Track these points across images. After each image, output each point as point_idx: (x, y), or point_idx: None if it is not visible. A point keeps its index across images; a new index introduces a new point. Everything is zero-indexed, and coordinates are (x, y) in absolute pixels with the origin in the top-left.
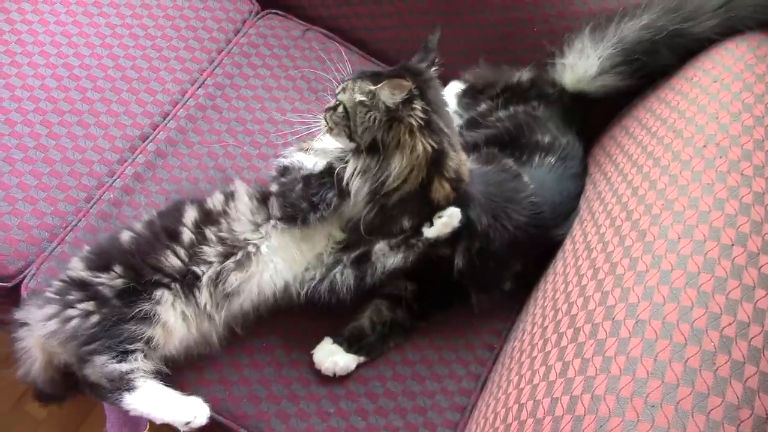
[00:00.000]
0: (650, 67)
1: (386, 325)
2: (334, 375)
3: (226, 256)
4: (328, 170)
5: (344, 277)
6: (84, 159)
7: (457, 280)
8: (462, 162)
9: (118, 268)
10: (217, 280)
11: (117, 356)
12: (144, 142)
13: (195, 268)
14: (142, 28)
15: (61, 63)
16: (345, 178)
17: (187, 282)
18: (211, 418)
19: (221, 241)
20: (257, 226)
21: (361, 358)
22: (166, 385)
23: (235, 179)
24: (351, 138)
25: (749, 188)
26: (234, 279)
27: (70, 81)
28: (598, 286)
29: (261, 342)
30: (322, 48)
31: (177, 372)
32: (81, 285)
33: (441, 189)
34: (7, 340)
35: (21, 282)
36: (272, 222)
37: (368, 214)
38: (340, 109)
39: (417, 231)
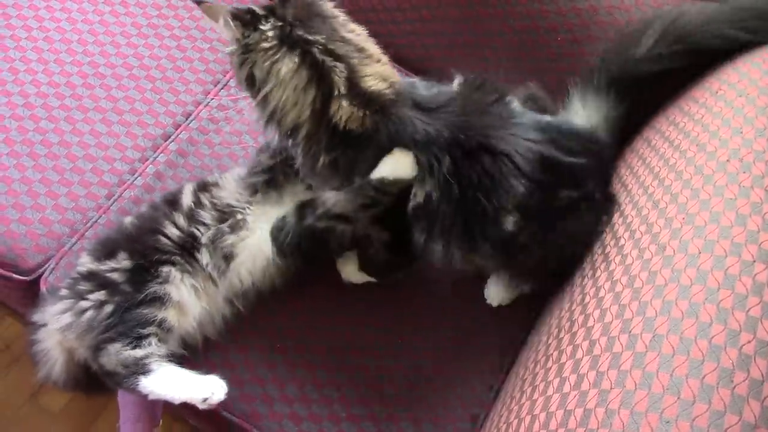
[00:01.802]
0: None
1: None
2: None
3: (220, 221)
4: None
5: (289, 220)
6: (106, 156)
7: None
8: (367, 74)
9: (123, 254)
10: (214, 240)
11: (131, 342)
12: (166, 141)
13: (194, 230)
14: (167, 29)
15: (87, 61)
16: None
17: (188, 248)
18: (224, 418)
19: (214, 206)
20: (241, 193)
21: None
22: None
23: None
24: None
25: None
26: (229, 240)
27: (95, 79)
28: (615, 298)
29: (275, 342)
30: None
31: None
32: (90, 276)
33: (340, 110)
34: (24, 334)
35: (40, 276)
36: (258, 186)
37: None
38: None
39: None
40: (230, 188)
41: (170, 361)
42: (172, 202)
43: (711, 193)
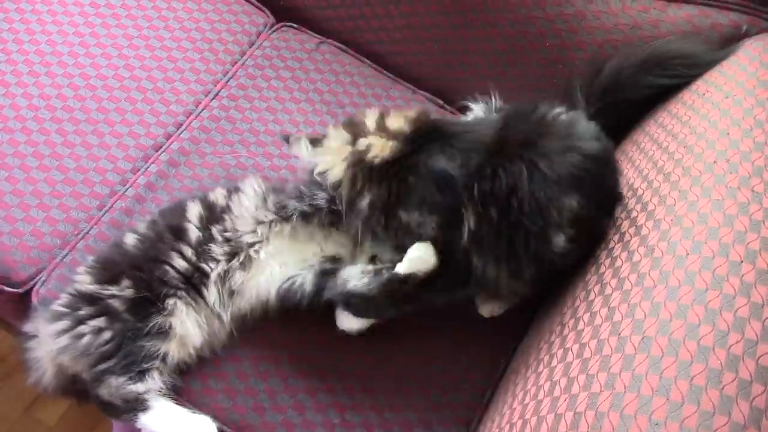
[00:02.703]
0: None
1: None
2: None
3: (232, 255)
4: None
5: (303, 281)
6: (98, 167)
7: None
8: (391, 116)
9: (126, 280)
10: (224, 277)
11: (133, 377)
12: (157, 151)
13: (204, 265)
14: (158, 40)
15: (78, 73)
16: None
17: (195, 282)
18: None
19: (227, 241)
20: (258, 223)
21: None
22: (173, 395)
23: (244, 179)
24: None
25: (759, 204)
26: (239, 277)
27: (86, 90)
28: (605, 301)
29: (267, 352)
30: (335, 61)
31: (182, 381)
32: (90, 300)
33: (372, 146)
34: (17, 346)
35: (32, 288)
36: (270, 219)
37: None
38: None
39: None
40: (247, 215)
41: (166, 392)
42: (178, 230)
43: (699, 195)
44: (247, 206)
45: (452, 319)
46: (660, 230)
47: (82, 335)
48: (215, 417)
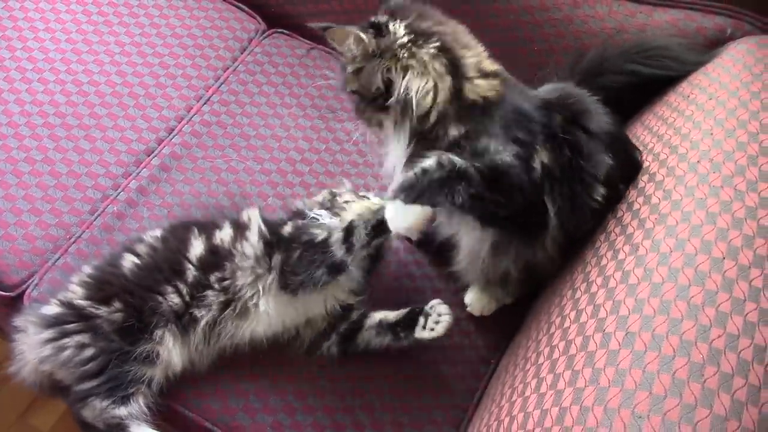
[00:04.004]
0: None
1: None
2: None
3: (226, 305)
4: (322, 243)
5: (330, 352)
6: (89, 172)
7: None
8: (483, 55)
9: (117, 303)
10: (214, 325)
11: (117, 401)
12: (149, 156)
13: (195, 311)
14: (150, 46)
15: (70, 79)
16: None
17: (184, 323)
18: (208, 429)
19: (224, 290)
20: (258, 277)
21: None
22: (161, 397)
23: (248, 208)
24: (380, 105)
25: (742, 203)
26: (230, 326)
27: (78, 96)
28: (590, 299)
29: (258, 354)
30: (326, 66)
31: (172, 383)
32: (79, 314)
33: (476, 88)
34: (8, 350)
35: (24, 292)
36: (271, 278)
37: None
38: (359, 103)
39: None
40: (247, 267)
41: (148, 417)
42: (177, 265)
43: (682, 194)
44: (249, 254)
45: None
46: (644, 228)
47: (65, 348)
48: (206, 418)
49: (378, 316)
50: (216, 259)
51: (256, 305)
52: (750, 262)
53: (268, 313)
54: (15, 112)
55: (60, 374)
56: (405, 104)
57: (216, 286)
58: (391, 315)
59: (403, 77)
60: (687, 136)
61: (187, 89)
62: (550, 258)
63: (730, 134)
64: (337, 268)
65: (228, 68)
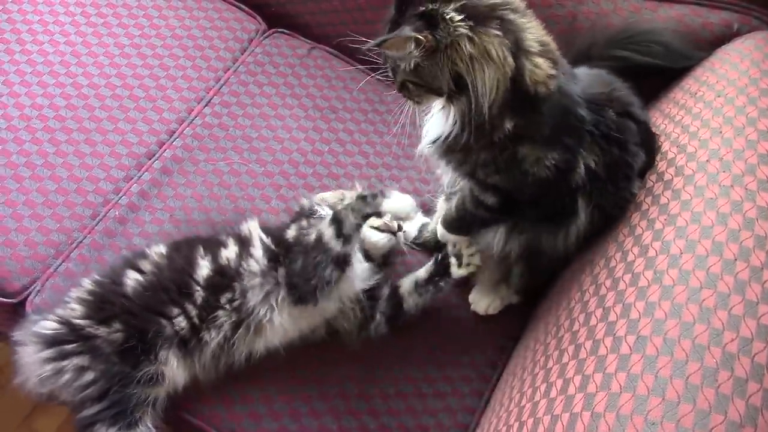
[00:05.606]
0: None
1: None
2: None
3: (238, 325)
4: (318, 242)
5: (378, 332)
6: (90, 176)
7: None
8: (539, 28)
9: (118, 324)
10: (224, 345)
11: (123, 426)
12: (150, 159)
13: (204, 334)
14: (150, 48)
15: (70, 82)
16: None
17: (191, 346)
18: None
19: (236, 310)
20: (268, 294)
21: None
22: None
23: (249, 219)
24: (437, 91)
25: (753, 203)
26: (242, 344)
27: (78, 100)
28: (599, 302)
29: (262, 360)
30: (327, 66)
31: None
32: (78, 334)
33: (536, 69)
34: (10, 355)
35: (26, 298)
36: (282, 292)
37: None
38: (408, 85)
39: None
40: (256, 284)
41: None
42: (184, 287)
43: (692, 194)
44: (256, 271)
45: (449, 323)
46: (654, 229)
47: (63, 371)
48: (211, 424)
49: (409, 280)
50: (224, 280)
51: (271, 320)
52: (762, 263)
53: (284, 325)
54: (14, 115)
55: (62, 396)
56: (470, 99)
57: (227, 307)
58: (421, 272)
59: (471, 70)
60: (695, 135)
61: (187, 91)
62: (560, 249)
63: (739, 132)
64: (342, 261)
65: (229, 69)
